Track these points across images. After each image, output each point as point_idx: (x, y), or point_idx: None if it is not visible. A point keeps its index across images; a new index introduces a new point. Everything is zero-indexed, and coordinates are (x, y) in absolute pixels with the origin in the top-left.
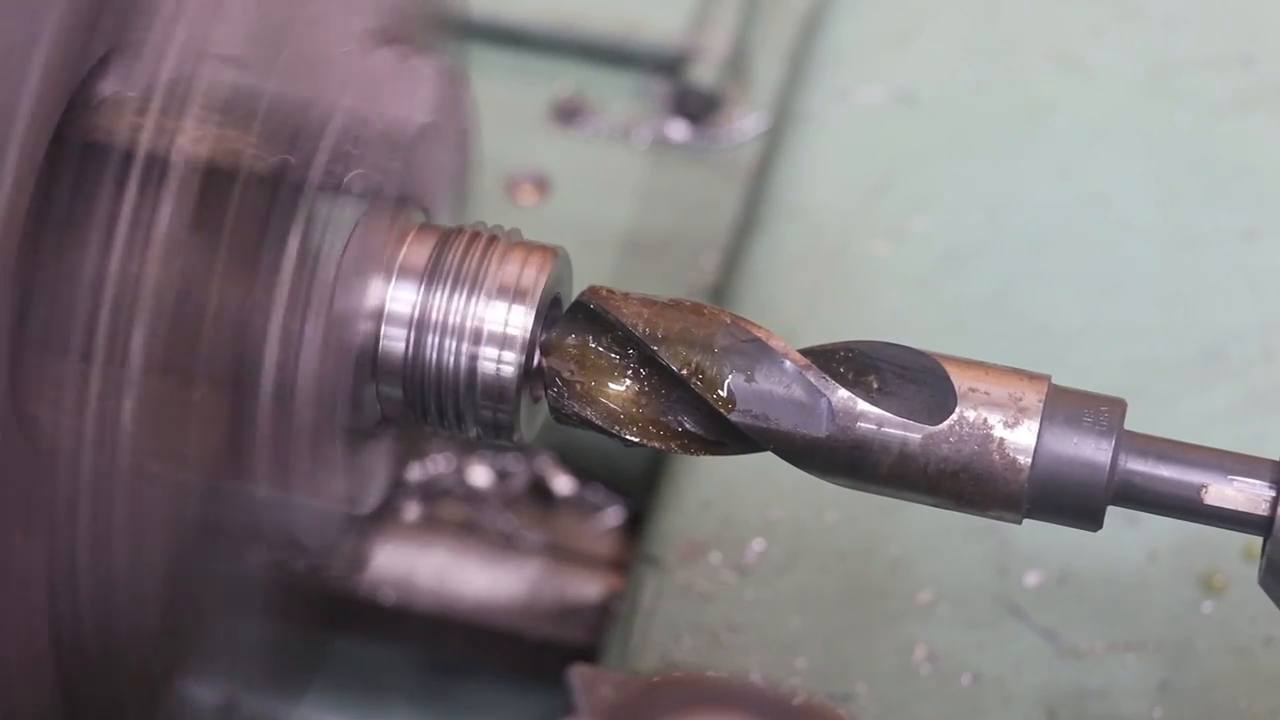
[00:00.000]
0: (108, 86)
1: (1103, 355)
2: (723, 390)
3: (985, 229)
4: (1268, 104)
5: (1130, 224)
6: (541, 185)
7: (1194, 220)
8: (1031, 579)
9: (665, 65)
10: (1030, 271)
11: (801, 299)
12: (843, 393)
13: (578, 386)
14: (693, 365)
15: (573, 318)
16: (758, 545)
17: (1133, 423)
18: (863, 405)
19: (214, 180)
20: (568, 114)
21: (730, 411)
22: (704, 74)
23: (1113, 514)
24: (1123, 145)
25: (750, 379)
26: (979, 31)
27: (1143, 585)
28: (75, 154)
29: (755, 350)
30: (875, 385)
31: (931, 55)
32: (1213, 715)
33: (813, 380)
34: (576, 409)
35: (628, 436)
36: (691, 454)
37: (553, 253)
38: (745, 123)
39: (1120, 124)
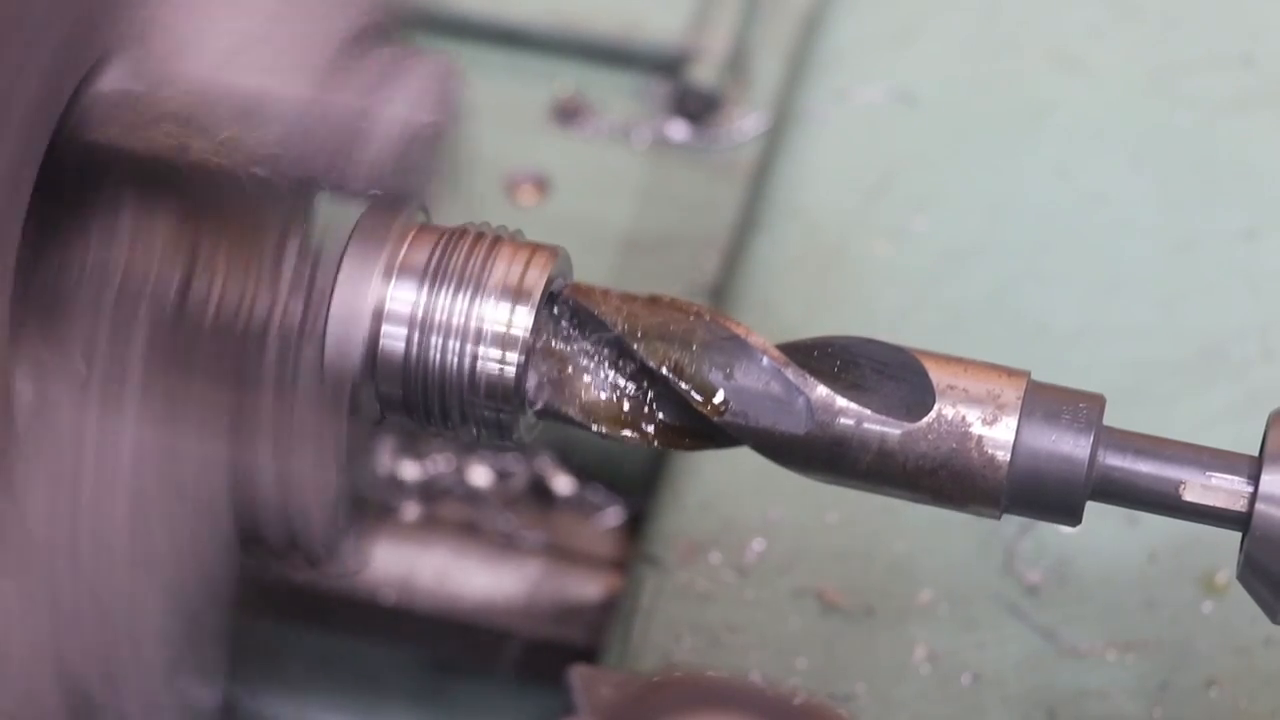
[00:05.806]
0: (108, 85)
1: (1103, 355)
2: (705, 389)
3: (985, 229)
4: (1268, 104)
5: (1130, 224)
6: (541, 185)
7: (1194, 220)
8: (1031, 579)
9: (665, 65)
10: (1030, 271)
11: (801, 299)
12: (821, 389)
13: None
14: (671, 361)
15: (552, 314)
16: (758, 545)
17: (1132, 423)
18: (841, 402)
19: (214, 180)
20: (568, 114)
21: (710, 410)
22: (704, 74)
23: (1113, 514)
24: (1123, 145)
25: (729, 376)
26: (979, 31)
27: (1143, 585)
28: (75, 153)
29: (733, 346)
30: (853, 382)
31: (931, 55)
32: (1213, 715)
33: (791, 377)
34: (555, 404)
35: (605, 431)
36: (671, 449)
37: (553, 253)
38: (745, 123)
39: (1120, 124)
